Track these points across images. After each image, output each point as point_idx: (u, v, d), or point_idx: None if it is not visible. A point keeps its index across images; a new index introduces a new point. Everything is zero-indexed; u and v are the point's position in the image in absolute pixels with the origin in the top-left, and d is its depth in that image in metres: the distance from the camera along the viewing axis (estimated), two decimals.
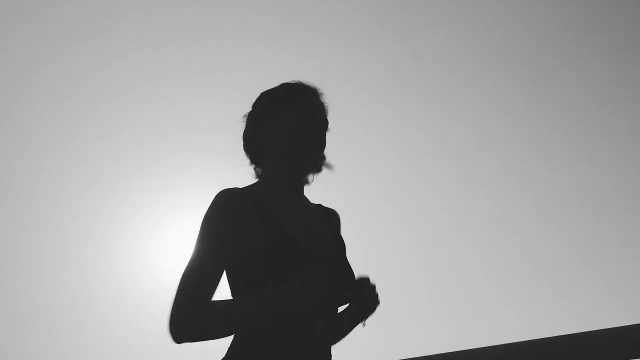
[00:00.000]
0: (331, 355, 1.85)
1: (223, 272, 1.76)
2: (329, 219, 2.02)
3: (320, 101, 2.00)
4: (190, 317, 1.65)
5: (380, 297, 1.92)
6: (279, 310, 1.65)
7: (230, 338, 1.78)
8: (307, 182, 1.99)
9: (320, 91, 2.02)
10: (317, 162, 1.95)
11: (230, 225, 1.78)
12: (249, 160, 2.02)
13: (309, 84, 2.02)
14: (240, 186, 1.90)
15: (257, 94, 2.03)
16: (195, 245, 1.77)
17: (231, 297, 1.81)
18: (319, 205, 2.05)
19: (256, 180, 1.99)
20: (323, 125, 1.96)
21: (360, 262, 1.97)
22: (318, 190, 2.04)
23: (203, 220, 1.79)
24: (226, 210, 1.79)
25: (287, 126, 1.92)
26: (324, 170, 2.01)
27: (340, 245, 1.97)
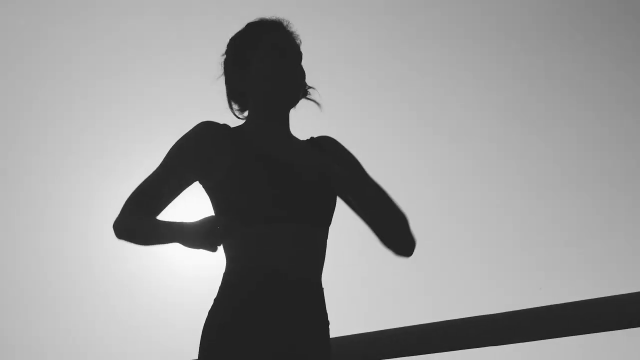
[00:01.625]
0: (328, 319, 1.84)
1: (179, 191, 1.86)
2: (321, 147, 2.01)
3: (288, 33, 1.98)
4: (124, 223, 1.82)
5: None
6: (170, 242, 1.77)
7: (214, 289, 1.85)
8: (293, 105, 1.98)
9: (286, 22, 2.00)
10: (297, 94, 1.94)
11: (204, 149, 1.85)
12: (237, 109, 2.02)
13: (274, 17, 2.01)
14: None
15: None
16: (162, 162, 1.87)
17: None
18: (310, 139, 2.04)
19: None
20: (296, 56, 1.96)
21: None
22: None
23: (176, 142, 1.87)
24: (202, 135, 1.86)
25: (259, 69, 1.92)
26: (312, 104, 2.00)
27: (331, 157, 1.97)
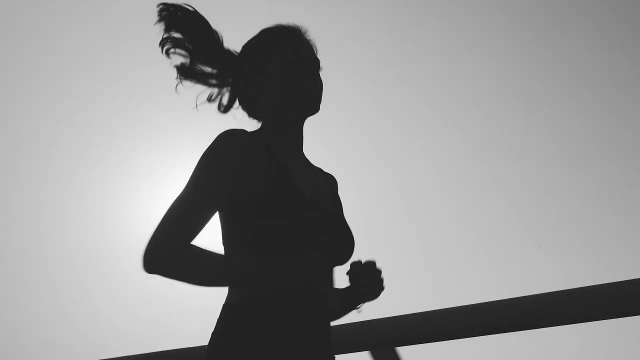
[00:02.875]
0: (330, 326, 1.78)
1: (212, 216, 1.65)
2: (329, 181, 1.94)
3: (306, 40, 1.88)
4: (164, 253, 1.55)
5: (385, 283, 1.80)
6: (258, 283, 1.61)
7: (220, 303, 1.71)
8: (310, 114, 1.86)
9: (303, 29, 1.90)
10: (316, 105, 1.82)
11: (233, 164, 1.67)
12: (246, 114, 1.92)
13: (290, 24, 1.89)
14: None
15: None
16: (190, 181, 1.65)
17: (222, 243, 1.72)
18: (320, 169, 1.95)
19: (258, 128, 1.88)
20: (315, 64, 1.85)
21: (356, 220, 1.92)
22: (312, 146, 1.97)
23: (202, 156, 1.68)
24: (230, 148, 1.68)
25: (276, 77, 1.81)
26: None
27: (339, 206, 1.90)
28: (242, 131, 1.72)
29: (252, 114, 1.90)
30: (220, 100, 1.90)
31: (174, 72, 1.85)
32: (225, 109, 1.90)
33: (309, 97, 1.80)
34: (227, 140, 1.68)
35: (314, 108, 1.82)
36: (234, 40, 1.94)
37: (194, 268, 1.57)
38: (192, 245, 1.57)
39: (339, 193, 1.97)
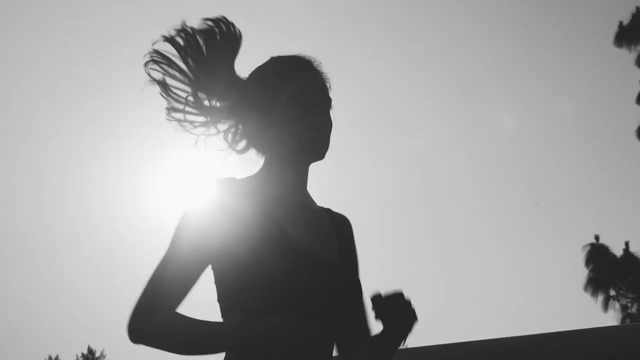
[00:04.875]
0: None
1: (198, 278, 1.57)
2: (337, 225, 1.77)
3: (318, 75, 1.72)
4: (147, 325, 1.51)
5: (417, 314, 1.63)
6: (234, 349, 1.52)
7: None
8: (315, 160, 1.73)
9: (316, 62, 1.73)
10: (324, 152, 1.69)
11: (220, 226, 1.57)
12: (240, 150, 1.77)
13: (303, 56, 1.74)
14: (238, 176, 1.69)
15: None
16: (173, 243, 1.57)
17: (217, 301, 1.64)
18: (328, 209, 1.80)
19: (256, 170, 1.74)
20: (325, 105, 1.70)
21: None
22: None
23: (187, 215, 1.59)
24: (218, 207, 1.59)
25: (282, 120, 1.67)
26: None
27: (348, 254, 1.73)
28: (232, 183, 1.64)
29: (252, 147, 1.75)
30: (225, 135, 1.76)
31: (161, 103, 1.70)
32: (231, 145, 1.75)
33: (314, 149, 1.67)
34: (213, 199, 1.60)
35: (318, 157, 1.69)
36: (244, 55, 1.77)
37: (173, 340, 1.52)
38: (170, 315, 1.52)
39: (354, 235, 1.80)
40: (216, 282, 1.62)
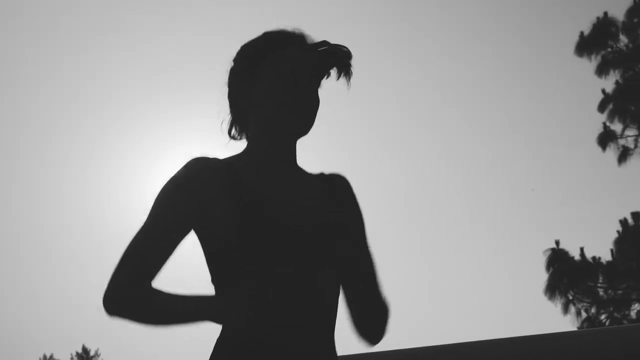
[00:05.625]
0: (336, 353, 1.64)
1: (174, 249, 1.58)
2: (332, 187, 1.73)
3: (310, 48, 1.68)
4: (122, 297, 1.54)
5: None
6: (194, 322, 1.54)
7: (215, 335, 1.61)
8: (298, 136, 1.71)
9: (310, 38, 1.70)
10: (305, 132, 1.68)
11: (192, 197, 1.58)
12: (230, 127, 1.74)
13: (296, 30, 1.70)
14: (220, 156, 1.66)
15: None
16: (148, 215, 1.59)
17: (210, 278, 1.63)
18: (320, 175, 1.75)
19: (242, 150, 1.73)
20: (313, 83, 1.67)
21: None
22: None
23: (162, 188, 1.60)
24: (191, 180, 1.58)
25: (268, 93, 1.64)
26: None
27: (341, 215, 1.67)
28: (208, 160, 1.62)
29: (238, 124, 1.74)
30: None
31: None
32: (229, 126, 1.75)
33: (297, 120, 1.65)
34: (187, 170, 1.60)
35: (302, 131, 1.67)
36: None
37: (145, 311, 1.55)
38: (140, 288, 1.54)
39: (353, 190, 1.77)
40: (202, 247, 1.63)
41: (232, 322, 1.50)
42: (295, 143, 1.70)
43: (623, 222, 11.13)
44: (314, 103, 1.66)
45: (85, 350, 28.67)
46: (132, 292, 1.54)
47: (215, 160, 1.63)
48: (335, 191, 1.72)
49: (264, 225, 1.56)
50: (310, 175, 1.73)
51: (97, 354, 28.72)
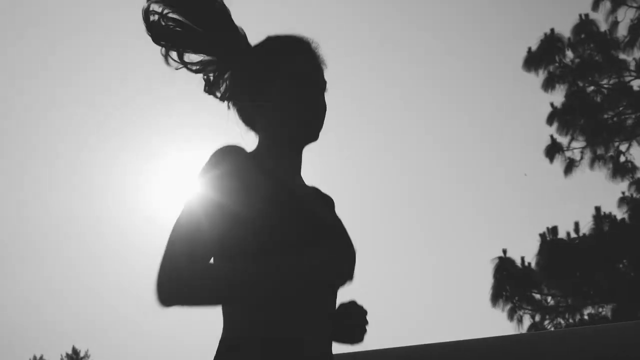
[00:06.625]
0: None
1: (215, 235, 1.52)
2: (328, 204, 1.81)
3: (315, 57, 1.72)
4: (184, 276, 1.42)
5: (368, 325, 1.68)
6: (298, 278, 1.49)
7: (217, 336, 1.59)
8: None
9: (314, 43, 1.73)
10: (317, 133, 1.70)
11: (239, 182, 1.56)
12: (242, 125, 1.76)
13: (301, 37, 1.73)
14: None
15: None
16: (189, 203, 1.53)
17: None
18: (316, 189, 1.82)
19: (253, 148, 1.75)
20: (321, 90, 1.70)
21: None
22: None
23: (204, 174, 1.56)
24: (234, 165, 1.57)
25: (278, 100, 1.66)
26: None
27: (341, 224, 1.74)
28: (241, 149, 1.62)
29: (247, 123, 1.76)
30: (213, 84, 1.75)
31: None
32: (210, 91, 1.74)
33: (308, 129, 1.69)
34: (229, 157, 1.58)
35: (312, 138, 1.70)
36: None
37: (201, 290, 1.44)
38: (195, 267, 1.45)
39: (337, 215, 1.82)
40: (228, 240, 1.56)
41: (343, 275, 1.50)
42: (302, 150, 1.73)
43: (542, 236, 11.50)
44: (323, 110, 1.69)
45: (75, 351, 28.94)
46: (196, 267, 1.44)
47: (242, 149, 1.63)
48: (332, 210, 1.79)
49: (303, 218, 1.58)
50: (310, 187, 1.78)
51: (87, 355, 29.01)
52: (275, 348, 1.49)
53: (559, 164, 12.53)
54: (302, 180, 1.74)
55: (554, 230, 11.27)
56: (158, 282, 1.42)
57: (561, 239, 11.26)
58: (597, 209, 11.43)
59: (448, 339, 2.62)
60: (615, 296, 10.77)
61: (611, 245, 10.56)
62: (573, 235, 11.33)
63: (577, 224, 11.29)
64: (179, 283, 1.41)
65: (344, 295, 1.67)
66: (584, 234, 11.25)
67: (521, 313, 11.95)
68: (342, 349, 1.66)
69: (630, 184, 12.10)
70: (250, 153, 1.66)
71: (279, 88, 1.66)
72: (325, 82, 1.71)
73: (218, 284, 1.45)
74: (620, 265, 10.72)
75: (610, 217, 11.31)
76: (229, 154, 1.58)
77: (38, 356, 28.93)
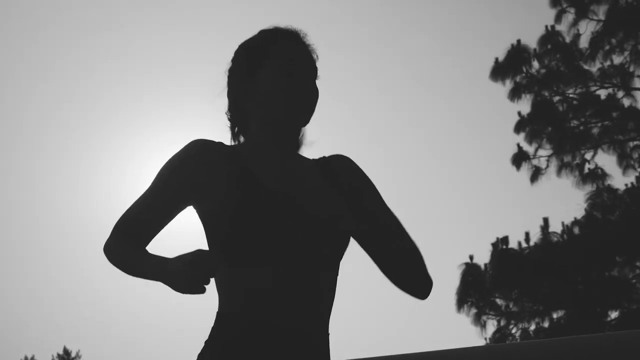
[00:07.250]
0: (328, 334, 1.66)
1: (167, 218, 1.69)
2: (332, 172, 1.77)
3: (304, 46, 1.75)
4: (108, 250, 1.70)
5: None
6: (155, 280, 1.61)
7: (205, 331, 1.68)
8: (301, 142, 1.79)
9: (303, 34, 1.76)
10: (305, 120, 1.72)
11: (191, 171, 1.66)
12: (230, 124, 1.80)
13: (289, 27, 1.76)
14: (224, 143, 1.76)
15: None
16: (150, 184, 1.70)
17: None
18: (321, 159, 1.80)
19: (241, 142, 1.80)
20: (309, 74, 1.73)
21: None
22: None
23: (165, 162, 1.69)
24: (191, 155, 1.67)
25: (266, 84, 1.71)
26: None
27: (337, 206, 1.70)
28: (210, 141, 1.69)
29: (236, 122, 1.80)
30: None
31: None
32: (230, 121, 1.82)
33: (299, 114, 1.71)
34: (192, 146, 1.67)
35: (301, 122, 1.73)
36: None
37: (122, 263, 1.68)
38: (126, 243, 1.68)
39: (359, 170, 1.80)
40: (203, 226, 1.70)
41: (174, 287, 1.53)
42: (297, 133, 1.76)
43: (494, 245, 11.72)
44: (312, 93, 1.71)
45: (66, 351, 28.87)
46: (117, 246, 1.68)
47: (218, 142, 1.71)
48: (335, 175, 1.76)
49: (263, 201, 1.61)
50: (311, 162, 1.78)
51: (78, 356, 29.04)
52: (244, 323, 1.59)
53: (525, 171, 12.75)
54: (300, 161, 1.77)
55: (504, 240, 11.51)
56: (105, 245, 1.72)
57: (511, 249, 11.51)
58: (545, 220, 11.63)
59: (418, 349, 2.50)
60: (562, 305, 11.00)
61: (559, 255, 10.79)
62: (524, 245, 11.57)
63: (527, 234, 11.53)
64: (107, 253, 1.71)
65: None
66: (536, 243, 11.47)
67: (485, 318, 12.14)
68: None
69: (589, 195, 12.25)
70: (229, 146, 1.74)
71: (267, 75, 1.71)
72: (315, 69, 1.74)
73: (124, 258, 1.69)
74: (569, 275, 10.94)
75: (564, 227, 11.53)
76: (195, 143, 1.68)
77: (29, 357, 28.92)
